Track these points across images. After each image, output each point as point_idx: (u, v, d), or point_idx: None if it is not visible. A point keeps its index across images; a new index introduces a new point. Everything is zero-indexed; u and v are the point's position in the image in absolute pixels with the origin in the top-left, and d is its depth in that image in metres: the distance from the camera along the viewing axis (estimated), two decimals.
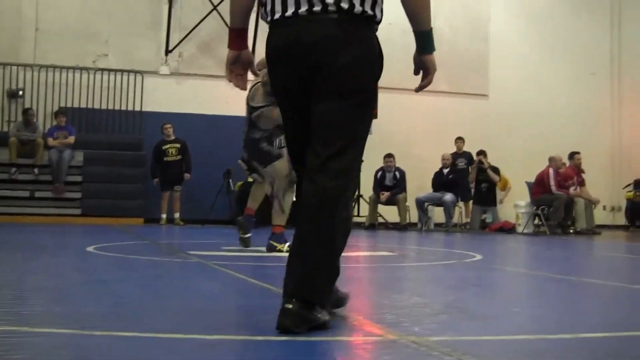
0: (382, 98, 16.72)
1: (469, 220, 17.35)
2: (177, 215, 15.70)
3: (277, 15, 3.32)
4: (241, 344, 2.94)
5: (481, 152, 16.85)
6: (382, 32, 3.43)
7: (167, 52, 16.73)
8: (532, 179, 16.60)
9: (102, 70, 16.45)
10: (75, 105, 16.32)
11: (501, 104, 18.51)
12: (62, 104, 16.20)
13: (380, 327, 3.32)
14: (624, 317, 4.09)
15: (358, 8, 3.26)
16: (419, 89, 3.64)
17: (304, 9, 3.25)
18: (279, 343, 2.94)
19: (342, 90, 3.29)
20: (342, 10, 3.24)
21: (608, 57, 20.51)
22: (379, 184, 16.51)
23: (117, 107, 16.57)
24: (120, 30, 16.70)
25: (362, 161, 3.72)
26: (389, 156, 16.57)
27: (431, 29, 3.48)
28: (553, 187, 15.87)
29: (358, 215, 16.73)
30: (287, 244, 7.29)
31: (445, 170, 16.93)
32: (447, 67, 18.02)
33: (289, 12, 3.28)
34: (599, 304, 4.74)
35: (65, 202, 15.45)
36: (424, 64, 3.58)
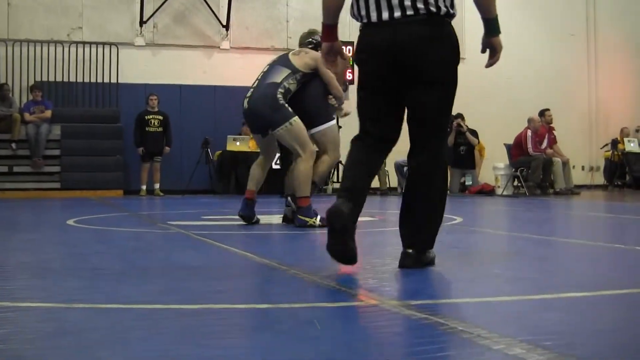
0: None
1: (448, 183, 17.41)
2: (157, 186, 15.65)
3: (373, 18, 3.98)
4: (222, 312, 2.95)
5: (459, 116, 16.86)
6: None
7: (142, 23, 16.59)
8: (511, 142, 16.67)
9: (77, 43, 16.29)
10: (51, 79, 16.17)
11: (479, 67, 18.31)
12: (38, 79, 16.04)
13: (362, 292, 3.34)
14: (603, 276, 4.14)
15: (443, 9, 3.94)
16: (489, 65, 4.34)
17: (398, 13, 3.90)
18: (261, 310, 2.97)
19: (435, 80, 4.03)
20: (431, 13, 3.91)
21: (584, 19, 20.55)
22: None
23: (92, 80, 16.41)
24: (94, 3, 16.54)
25: None
26: None
27: (496, 15, 4.15)
28: (530, 149, 15.95)
29: (338, 182, 16.75)
30: (318, 216, 6.85)
31: None
32: None
33: (385, 16, 3.94)
34: (579, 264, 4.78)
35: (44, 176, 15.36)
36: (491, 45, 4.23)
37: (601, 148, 19.25)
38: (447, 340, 2.39)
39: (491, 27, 4.19)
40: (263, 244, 6.25)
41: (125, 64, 16.49)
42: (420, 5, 3.89)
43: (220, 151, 15.68)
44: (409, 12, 3.89)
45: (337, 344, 2.38)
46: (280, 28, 17.76)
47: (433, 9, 3.90)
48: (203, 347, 2.32)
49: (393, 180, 17.04)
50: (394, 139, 4.26)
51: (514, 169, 16.51)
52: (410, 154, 4.19)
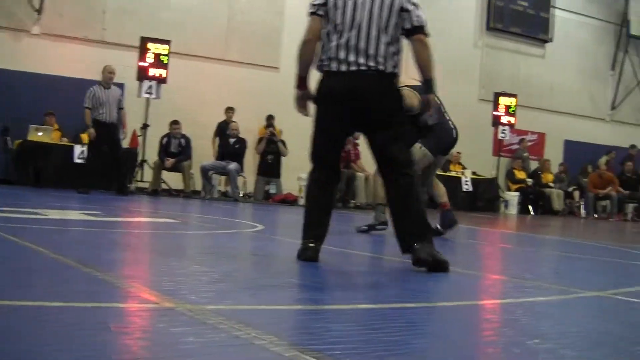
0: (173, 64, 16.63)
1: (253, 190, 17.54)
2: None
3: (333, 69, 5.08)
4: (12, 309, 2.88)
5: (270, 125, 17.02)
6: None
7: None
8: None
9: None
10: None
11: (292, 77, 18.66)
12: None
13: (157, 295, 3.33)
14: (386, 288, 4.29)
15: (389, 70, 5.10)
16: (424, 119, 6.12)
17: (353, 68, 5.03)
18: (47, 308, 2.91)
19: (383, 123, 5.12)
20: (379, 71, 5.05)
21: None
22: (164, 150, 16.37)
23: None
24: None
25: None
26: (175, 123, 16.46)
27: (432, 78, 5.23)
28: None
29: (141, 181, 16.55)
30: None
31: (232, 140, 17.02)
32: (240, 37, 18.08)
33: (343, 68, 5.05)
34: (371, 277, 4.94)
35: None
36: (427, 100, 5.42)
37: None
38: (238, 345, 2.43)
39: (428, 86, 5.28)
40: (54, 238, 6.09)
41: None
42: (371, 63, 5.04)
43: (21, 140, 15.14)
44: (362, 68, 5.05)
45: (123, 345, 2.38)
46: (96, 19, 17.33)
47: (381, 67, 5.06)
48: None
49: (198, 183, 16.98)
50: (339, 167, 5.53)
51: None
52: (389, 176, 5.20)
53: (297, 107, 5.46)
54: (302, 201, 16.55)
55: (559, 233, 12.93)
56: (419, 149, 8.35)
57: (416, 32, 5.13)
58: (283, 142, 17.32)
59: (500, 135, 21.50)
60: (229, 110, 17.43)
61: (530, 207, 21.56)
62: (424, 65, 5.19)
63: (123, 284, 3.56)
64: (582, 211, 21.83)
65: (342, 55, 5.06)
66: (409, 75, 8.83)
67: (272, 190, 17.42)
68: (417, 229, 5.04)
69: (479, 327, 3.21)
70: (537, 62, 24.92)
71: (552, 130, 24.91)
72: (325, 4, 5.18)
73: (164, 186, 16.58)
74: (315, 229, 5.25)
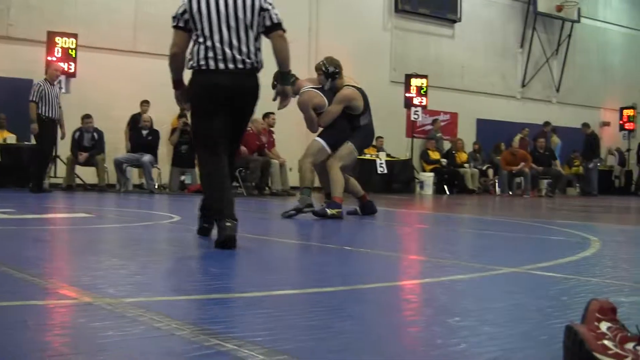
0: (83, 58, 16.39)
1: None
2: None
3: (212, 66, 5.55)
4: None
5: (183, 115, 16.90)
6: None
7: None
8: None
9: None
10: None
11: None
12: None
13: (75, 290, 3.29)
14: (310, 273, 4.31)
15: (258, 65, 5.70)
16: (281, 108, 6.31)
17: (232, 66, 5.57)
18: None
19: (249, 112, 5.84)
20: (249, 68, 5.64)
21: (307, 27, 21.30)
22: (77, 145, 16.14)
23: None
24: None
25: None
26: (87, 117, 16.26)
27: (289, 71, 5.91)
28: (245, 150, 16.31)
29: (55, 177, 16.28)
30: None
31: (145, 132, 16.86)
32: (149, 28, 17.86)
33: (222, 67, 5.55)
34: (290, 263, 4.96)
35: None
36: (283, 91, 6.07)
37: None
38: (158, 337, 2.42)
39: (284, 78, 5.94)
40: None
41: None
42: (248, 61, 5.62)
43: None
44: (240, 66, 5.60)
45: (43, 342, 2.34)
46: (1, 15, 16.92)
47: (258, 66, 5.71)
48: None
49: (112, 176, 16.80)
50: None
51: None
52: (221, 153, 5.65)
53: (177, 103, 6.18)
54: None
55: (474, 211, 13.12)
56: (347, 145, 9.02)
57: (276, 28, 5.71)
58: None
59: (413, 117, 21.71)
60: (144, 103, 17.25)
61: (445, 187, 21.83)
62: (284, 58, 5.79)
63: (40, 281, 3.51)
64: (497, 189, 22.17)
65: (218, 54, 5.56)
66: (349, 76, 9.30)
67: (187, 181, 17.32)
68: (230, 206, 5.48)
69: (399, 308, 3.24)
70: (447, 43, 25.21)
71: (464, 110, 25.23)
72: (184, 13, 5.77)
73: (78, 181, 16.37)
74: (227, 207, 5.47)
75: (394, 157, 21.32)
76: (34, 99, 14.14)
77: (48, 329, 2.54)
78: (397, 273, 4.61)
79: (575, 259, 5.10)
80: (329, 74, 9.09)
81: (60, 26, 16.52)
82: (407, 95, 21.52)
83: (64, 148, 16.01)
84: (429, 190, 21.03)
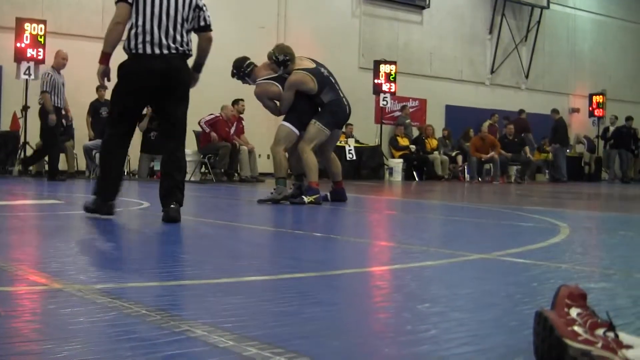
0: (50, 44, 16.26)
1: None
2: None
3: (148, 51, 6.13)
4: None
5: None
6: None
7: None
8: (199, 129, 16.87)
9: None
10: None
11: None
12: None
13: (45, 277, 3.27)
14: (282, 259, 4.31)
15: (189, 52, 6.36)
16: (192, 86, 6.59)
17: (166, 51, 6.16)
18: None
19: (181, 95, 6.38)
20: (180, 53, 6.26)
21: (275, 13, 21.25)
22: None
23: None
24: None
25: None
26: None
27: (204, 64, 6.61)
28: (215, 136, 16.29)
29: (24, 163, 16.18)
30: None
31: None
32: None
33: (157, 51, 6.14)
34: (261, 249, 4.96)
35: None
36: (196, 78, 6.64)
37: None
38: (131, 324, 2.41)
39: (199, 68, 6.62)
40: None
41: None
42: (179, 47, 6.22)
43: None
44: (173, 51, 6.18)
45: (13, 329, 2.33)
46: None
47: (183, 49, 6.27)
48: None
49: (81, 163, 16.71)
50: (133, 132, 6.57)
51: (202, 156, 16.72)
52: (164, 143, 6.47)
53: (99, 79, 6.43)
54: (187, 177, 16.46)
55: (443, 198, 13.18)
56: (313, 125, 9.10)
57: (206, 30, 6.45)
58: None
59: (382, 103, 21.75)
60: (101, 88, 17.10)
61: (414, 173, 21.90)
62: (205, 55, 6.57)
63: (10, 267, 3.48)
64: (466, 175, 22.27)
65: (155, 39, 6.12)
66: (302, 57, 9.47)
67: (157, 167, 17.25)
68: (179, 190, 6.27)
69: (369, 294, 3.25)
70: (416, 29, 25.27)
71: (433, 96, 25.33)
72: None
73: (47, 168, 16.27)
74: (114, 187, 6.37)
75: (362, 144, 21.36)
76: (47, 89, 14.10)
77: (18, 315, 2.53)
78: (366, 259, 4.62)
79: (545, 245, 5.14)
80: (280, 62, 9.26)
81: (29, 12, 16.39)
82: (375, 81, 21.56)
83: (33, 135, 15.89)
84: (398, 176, 21.09)
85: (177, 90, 6.31)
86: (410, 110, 24.45)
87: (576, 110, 29.44)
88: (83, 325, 2.37)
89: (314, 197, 8.85)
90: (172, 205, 6.09)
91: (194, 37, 6.43)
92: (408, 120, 23.76)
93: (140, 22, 6.11)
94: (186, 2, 6.24)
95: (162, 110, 6.43)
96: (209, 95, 17.30)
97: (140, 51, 6.12)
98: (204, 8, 6.38)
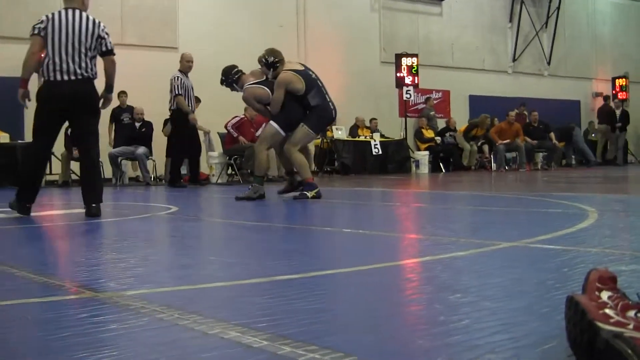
0: None
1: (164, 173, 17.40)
2: None
3: (58, 79, 7.38)
4: None
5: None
6: None
7: None
8: (224, 131, 16.91)
9: None
10: None
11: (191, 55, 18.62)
12: None
13: (76, 286, 3.29)
14: (313, 258, 4.32)
15: (93, 76, 7.56)
16: (104, 108, 7.96)
17: (73, 77, 7.38)
18: None
19: (90, 111, 7.58)
20: (86, 77, 7.47)
21: (294, 11, 21.23)
22: (71, 140, 16.09)
23: None
24: None
25: None
26: None
27: (113, 84, 7.87)
28: (242, 138, 16.31)
29: (51, 174, 16.27)
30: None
31: (138, 124, 16.84)
32: (136, 20, 17.82)
33: (65, 78, 7.38)
34: (282, 245, 4.96)
35: None
36: (107, 98, 7.96)
37: None
38: (162, 327, 2.42)
39: (110, 88, 7.87)
40: None
41: None
42: (85, 73, 7.47)
43: None
44: (78, 77, 7.42)
45: (49, 338, 2.34)
46: None
47: (89, 75, 7.51)
48: None
49: (108, 170, 16.75)
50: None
51: (227, 157, 16.75)
52: (80, 154, 8.01)
53: (20, 101, 7.56)
54: (214, 179, 16.51)
55: (471, 188, 13.14)
56: (302, 128, 9.69)
57: (109, 54, 7.68)
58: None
59: (405, 96, 21.72)
60: (122, 94, 17.19)
61: (441, 165, 21.85)
62: (111, 76, 7.79)
63: (40, 278, 3.51)
64: (493, 165, 22.18)
65: (64, 67, 7.36)
66: (291, 61, 9.84)
67: (183, 172, 17.30)
68: (98, 193, 7.52)
69: (399, 287, 3.25)
70: (435, 21, 25.21)
71: (456, 87, 25.27)
72: (45, 28, 7.44)
73: (74, 177, 16.34)
74: (32, 193, 7.56)
75: (388, 138, 21.33)
76: (180, 92, 14.30)
77: (50, 325, 2.55)
78: (396, 252, 4.61)
79: (574, 231, 5.11)
80: (269, 64, 9.89)
81: None
82: (398, 75, 21.51)
83: (57, 144, 15.95)
84: (424, 169, 21.07)
85: (85, 108, 7.53)
86: (434, 102, 24.39)
87: (600, 95, 29.26)
88: (116, 332, 2.38)
89: (315, 191, 9.48)
90: (93, 205, 7.39)
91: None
92: (432, 112, 23.71)
93: (50, 54, 7.38)
94: (89, 33, 7.50)
95: (74, 124, 7.81)
96: (233, 96, 17.41)
97: (52, 78, 7.38)
98: (106, 37, 7.61)
